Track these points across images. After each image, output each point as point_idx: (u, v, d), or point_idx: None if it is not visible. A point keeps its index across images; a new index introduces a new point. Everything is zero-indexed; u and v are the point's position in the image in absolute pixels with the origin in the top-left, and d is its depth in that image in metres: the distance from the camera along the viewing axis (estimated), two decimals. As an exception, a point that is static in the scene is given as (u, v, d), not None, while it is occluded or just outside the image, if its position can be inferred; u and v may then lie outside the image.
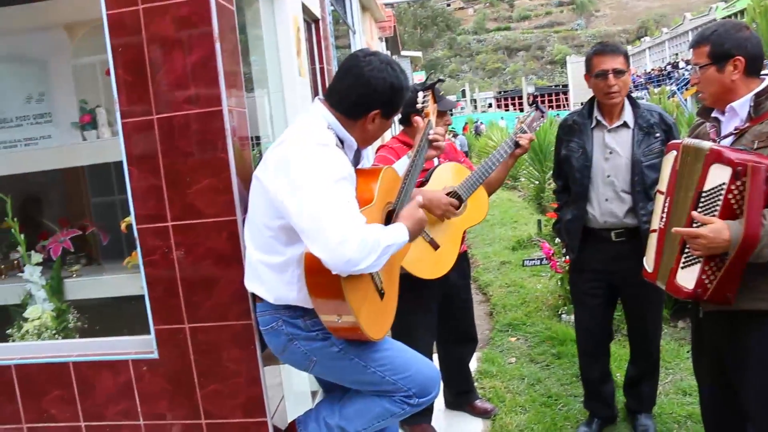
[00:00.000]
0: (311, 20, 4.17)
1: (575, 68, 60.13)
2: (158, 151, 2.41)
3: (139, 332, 2.86)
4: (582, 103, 3.51)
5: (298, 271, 2.19)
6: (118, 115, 2.46)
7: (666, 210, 2.43)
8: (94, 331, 3.50)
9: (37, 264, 3.61)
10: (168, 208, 2.43)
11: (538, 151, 10.52)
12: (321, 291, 2.11)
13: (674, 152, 2.44)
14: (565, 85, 67.93)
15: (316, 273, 2.07)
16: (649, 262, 2.57)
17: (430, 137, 2.57)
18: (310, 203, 2.00)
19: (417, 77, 23.04)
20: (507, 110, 68.20)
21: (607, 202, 3.18)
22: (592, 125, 3.24)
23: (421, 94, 2.67)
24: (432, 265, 3.15)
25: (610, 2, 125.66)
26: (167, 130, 2.39)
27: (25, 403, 2.81)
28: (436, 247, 3.13)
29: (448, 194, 3.17)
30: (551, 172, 10.71)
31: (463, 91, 66.83)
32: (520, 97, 68.88)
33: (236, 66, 2.49)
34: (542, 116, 3.41)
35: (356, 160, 2.39)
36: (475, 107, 65.14)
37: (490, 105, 75.64)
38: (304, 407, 3.29)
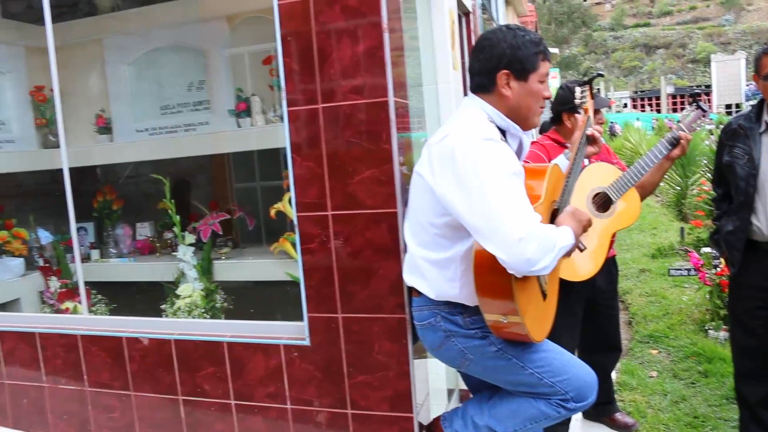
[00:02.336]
0: (462, 13, 4.10)
1: (720, 67, 56.54)
2: (322, 139, 2.42)
3: (283, 316, 2.92)
4: (726, 106, 3.23)
5: (461, 268, 2.14)
6: (284, 102, 2.49)
7: None
8: (239, 312, 3.63)
9: (190, 245, 3.78)
10: (329, 197, 2.44)
11: (681, 157, 9.93)
12: (490, 290, 2.05)
13: None
14: (708, 86, 63.67)
15: (486, 272, 2.01)
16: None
17: (589, 134, 2.46)
18: (483, 200, 1.93)
19: (551, 74, 22.33)
20: (643, 111, 65.03)
21: None
22: (761, 129, 2.99)
23: (578, 89, 2.56)
24: (577, 268, 3.02)
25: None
26: (332, 119, 2.40)
27: (181, 376, 2.93)
28: (582, 249, 3.01)
29: (596, 195, 3.06)
30: (694, 177, 10.10)
31: (598, 90, 64.50)
32: (658, 98, 65.45)
33: (401, 57, 2.46)
34: (704, 115, 3.18)
35: (519, 150, 2.31)
36: (610, 107, 62.78)
37: (625, 105, 72.46)
38: (440, 405, 3.25)
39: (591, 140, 2.49)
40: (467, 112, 2.21)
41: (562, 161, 2.51)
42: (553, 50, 27.13)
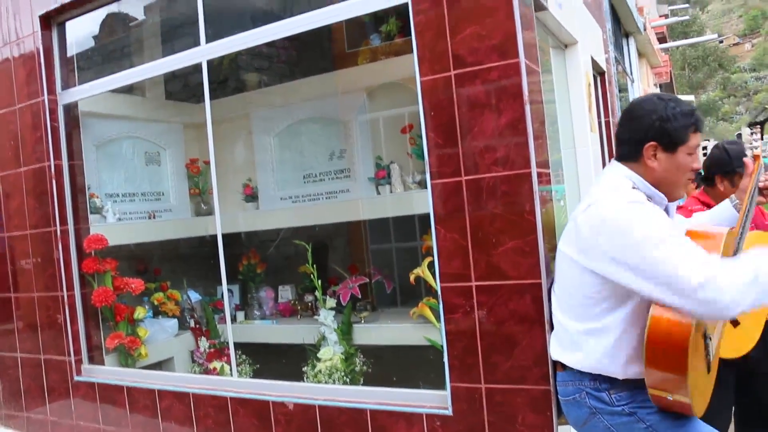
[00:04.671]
0: (597, 73, 4.05)
1: None
2: (466, 211, 2.46)
3: (422, 381, 2.92)
4: None
5: (616, 336, 2.07)
6: (428, 175, 2.55)
7: None
8: (378, 376, 3.66)
9: (330, 308, 3.89)
10: (473, 268, 2.45)
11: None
12: (663, 363, 1.94)
13: None
14: None
15: (661, 341, 1.92)
16: None
17: (762, 184, 2.33)
18: (647, 262, 1.87)
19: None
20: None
21: None
22: None
23: (747, 131, 2.43)
24: (731, 343, 2.82)
25: None
26: (475, 191, 2.43)
27: (326, 443, 2.98)
28: (735, 324, 2.82)
29: None
30: None
31: (739, 135, 60.97)
32: (808, 140, 61.01)
33: (542, 127, 2.47)
34: None
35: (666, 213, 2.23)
36: (750, 152, 58.87)
37: (770, 149, 67.97)
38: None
39: (762, 190, 2.37)
40: (610, 180, 2.16)
41: (726, 210, 2.39)
42: (688, 97, 26.04)
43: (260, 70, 4.89)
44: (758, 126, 2.48)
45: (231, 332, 3.73)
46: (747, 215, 2.25)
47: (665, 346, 1.92)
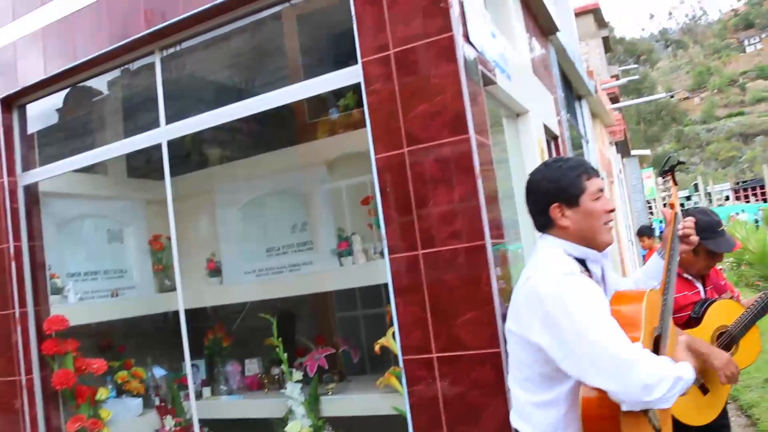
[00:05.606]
0: (550, 138, 4.20)
1: (827, 150, 53.98)
2: (424, 284, 2.50)
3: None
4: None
5: (563, 410, 2.08)
6: (385, 250, 2.60)
7: None
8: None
9: (297, 381, 3.86)
10: (433, 340, 2.49)
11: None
12: None
13: None
14: (815, 169, 60.90)
15: (595, 419, 1.94)
16: None
17: (680, 232, 2.36)
18: (580, 339, 1.90)
19: (645, 174, 22.07)
20: (747, 202, 62.27)
21: None
22: None
23: (660, 180, 2.47)
24: (699, 411, 2.86)
25: None
26: (433, 264, 2.49)
27: None
28: (705, 391, 2.87)
29: (720, 334, 2.91)
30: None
31: (696, 185, 62.62)
32: (762, 186, 62.87)
33: (496, 199, 2.55)
34: None
35: (603, 274, 2.26)
36: (710, 201, 60.58)
37: (727, 198, 69.83)
38: None
39: (683, 238, 2.39)
40: (543, 251, 2.20)
41: (656, 262, 2.43)
42: (645, 151, 26.83)
43: (223, 144, 4.95)
44: (669, 173, 2.50)
45: (195, 409, 3.67)
46: (671, 265, 2.27)
47: (599, 424, 1.93)
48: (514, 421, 2.29)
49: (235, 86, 4.89)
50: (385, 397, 3.53)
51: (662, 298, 2.23)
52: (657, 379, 1.84)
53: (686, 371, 1.96)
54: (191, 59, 4.06)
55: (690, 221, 2.48)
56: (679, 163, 2.72)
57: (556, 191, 2.15)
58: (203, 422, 4.02)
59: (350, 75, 2.87)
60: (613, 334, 1.90)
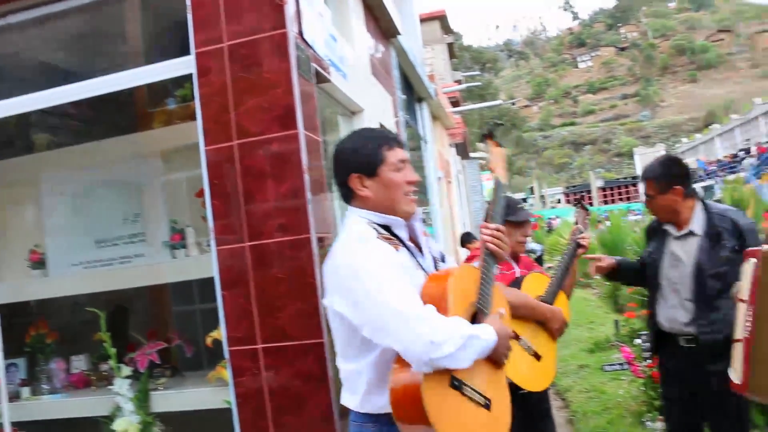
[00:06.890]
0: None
1: (643, 159, 59.47)
2: (250, 276, 2.53)
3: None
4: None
5: (368, 377, 2.09)
6: (212, 242, 2.60)
7: (750, 319, 2.38)
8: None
9: (126, 377, 3.74)
10: (258, 331, 2.52)
11: (611, 247, 10.31)
12: (406, 415, 1.97)
13: (754, 260, 2.41)
14: (635, 177, 67.12)
15: (399, 396, 1.95)
16: (736, 374, 2.48)
17: (488, 246, 2.28)
18: (368, 299, 1.95)
19: (484, 176, 23.19)
20: (576, 205, 67.19)
21: (672, 309, 3.16)
22: (677, 234, 3.22)
23: (481, 146, 2.63)
24: (539, 377, 3.10)
25: (675, 92, 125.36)
26: (259, 256, 2.52)
27: None
28: (538, 357, 3.13)
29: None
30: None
31: (532, 188, 66.96)
32: (589, 191, 68.24)
33: (324, 194, 2.63)
34: (587, 214, 3.59)
35: (413, 235, 2.27)
36: (544, 203, 64.92)
37: (559, 200, 75.17)
38: None
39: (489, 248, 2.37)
40: (348, 223, 2.23)
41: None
42: (486, 155, 28.20)
43: (53, 129, 4.67)
44: (488, 137, 2.54)
45: (6, 412, 3.45)
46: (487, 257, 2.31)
47: (403, 399, 1.95)
48: (344, 398, 2.30)
49: (71, 69, 4.62)
50: (217, 390, 3.50)
51: (480, 274, 2.23)
52: (444, 336, 1.85)
53: (485, 332, 1.99)
54: (22, 36, 3.82)
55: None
56: (497, 125, 2.87)
57: (356, 162, 2.16)
58: (19, 425, 3.79)
59: (183, 65, 2.84)
60: (401, 293, 1.93)
